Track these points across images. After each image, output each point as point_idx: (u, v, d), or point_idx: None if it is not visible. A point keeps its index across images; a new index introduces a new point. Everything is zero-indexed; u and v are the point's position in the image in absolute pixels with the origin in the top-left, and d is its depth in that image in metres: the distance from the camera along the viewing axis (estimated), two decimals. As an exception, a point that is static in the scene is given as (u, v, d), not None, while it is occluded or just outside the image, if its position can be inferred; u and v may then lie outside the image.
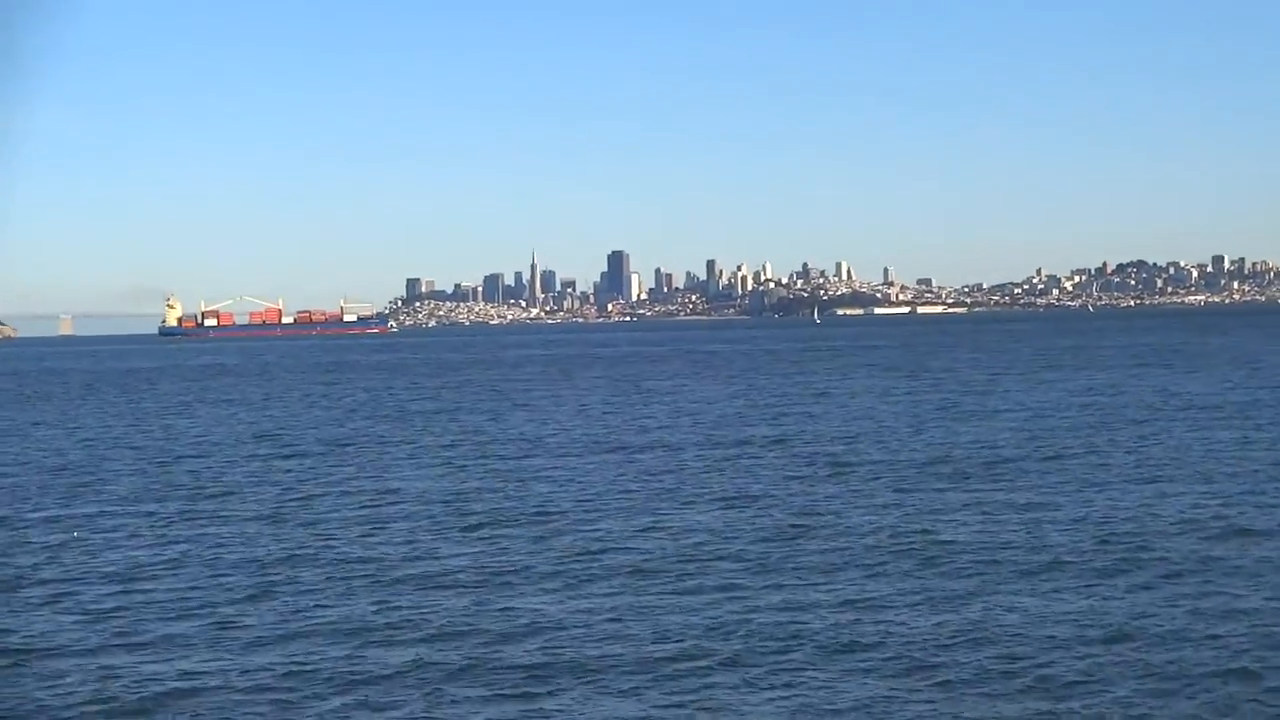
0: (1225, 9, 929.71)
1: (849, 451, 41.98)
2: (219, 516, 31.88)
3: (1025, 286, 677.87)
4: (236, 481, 38.66)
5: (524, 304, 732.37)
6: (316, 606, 21.87)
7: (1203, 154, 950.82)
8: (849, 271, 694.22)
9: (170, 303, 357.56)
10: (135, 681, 17.88)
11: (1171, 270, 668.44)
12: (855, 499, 31.87)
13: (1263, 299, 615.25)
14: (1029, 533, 26.63)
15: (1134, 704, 15.96)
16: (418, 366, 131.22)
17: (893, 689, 16.75)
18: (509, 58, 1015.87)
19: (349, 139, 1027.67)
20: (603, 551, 25.94)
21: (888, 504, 30.94)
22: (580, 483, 36.14)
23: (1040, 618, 19.79)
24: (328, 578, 24.14)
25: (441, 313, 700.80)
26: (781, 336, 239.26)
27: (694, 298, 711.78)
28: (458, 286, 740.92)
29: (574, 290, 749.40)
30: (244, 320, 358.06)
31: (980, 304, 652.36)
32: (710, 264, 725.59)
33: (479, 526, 29.33)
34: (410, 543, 27.54)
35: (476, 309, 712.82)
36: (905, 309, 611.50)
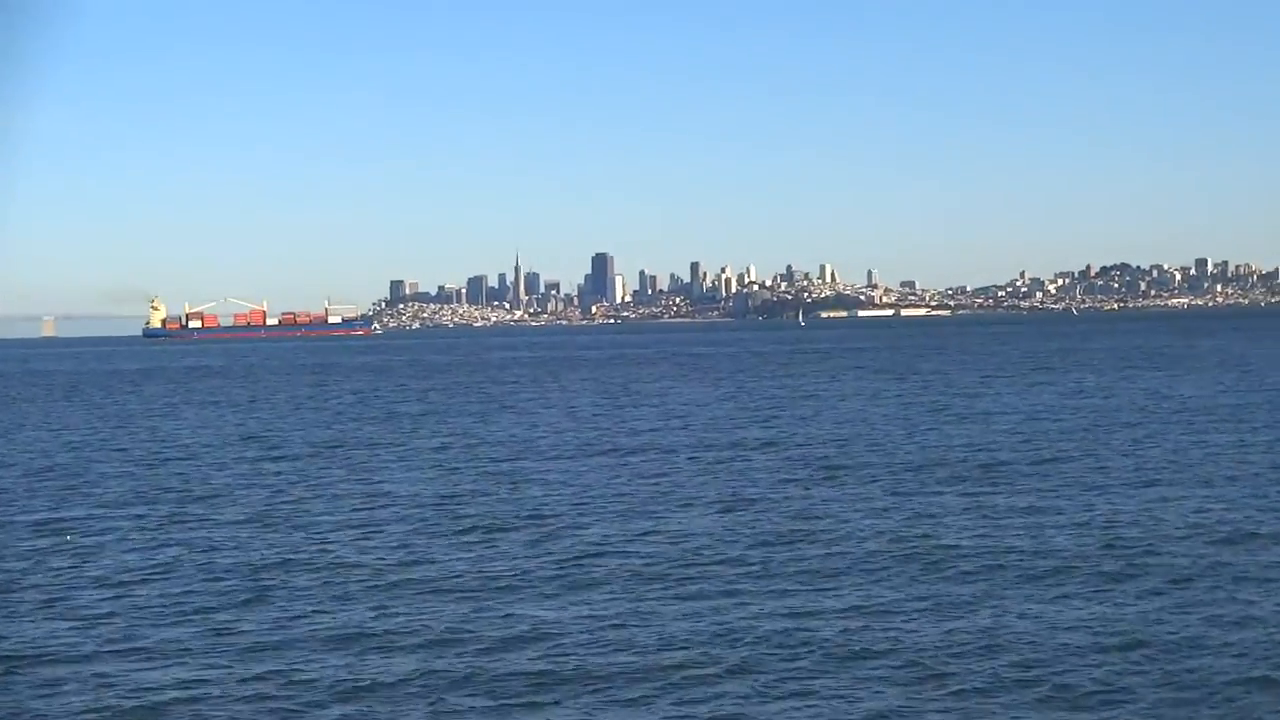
0: (1210, 13, 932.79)
1: (844, 455, 41.70)
2: (210, 520, 31.46)
3: (1009, 289, 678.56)
4: (227, 485, 38.24)
5: (508, 306, 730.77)
6: (314, 612, 21.50)
7: (1186, 157, 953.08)
8: (833, 274, 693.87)
9: (154, 304, 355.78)
10: (133, 690, 17.49)
11: (1155, 273, 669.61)
12: (854, 503, 31.58)
13: (1246, 302, 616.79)
14: (1032, 537, 26.36)
15: (1156, 714, 15.66)
16: (403, 368, 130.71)
17: (908, 698, 16.43)
18: (494, 60, 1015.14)
19: (332, 141, 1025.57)
20: (602, 556, 25.60)
21: (887, 507, 30.65)
22: (575, 486, 35.81)
23: (1052, 624, 19.50)
24: (324, 583, 23.76)
25: (425, 315, 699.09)
26: (767, 339, 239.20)
27: (678, 300, 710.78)
28: (441, 288, 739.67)
29: (558, 292, 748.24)
30: (228, 322, 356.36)
31: (964, 306, 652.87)
32: (694, 266, 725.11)
33: (474, 530, 28.97)
34: (405, 547, 27.16)
35: (460, 311, 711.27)
36: (889, 311, 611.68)
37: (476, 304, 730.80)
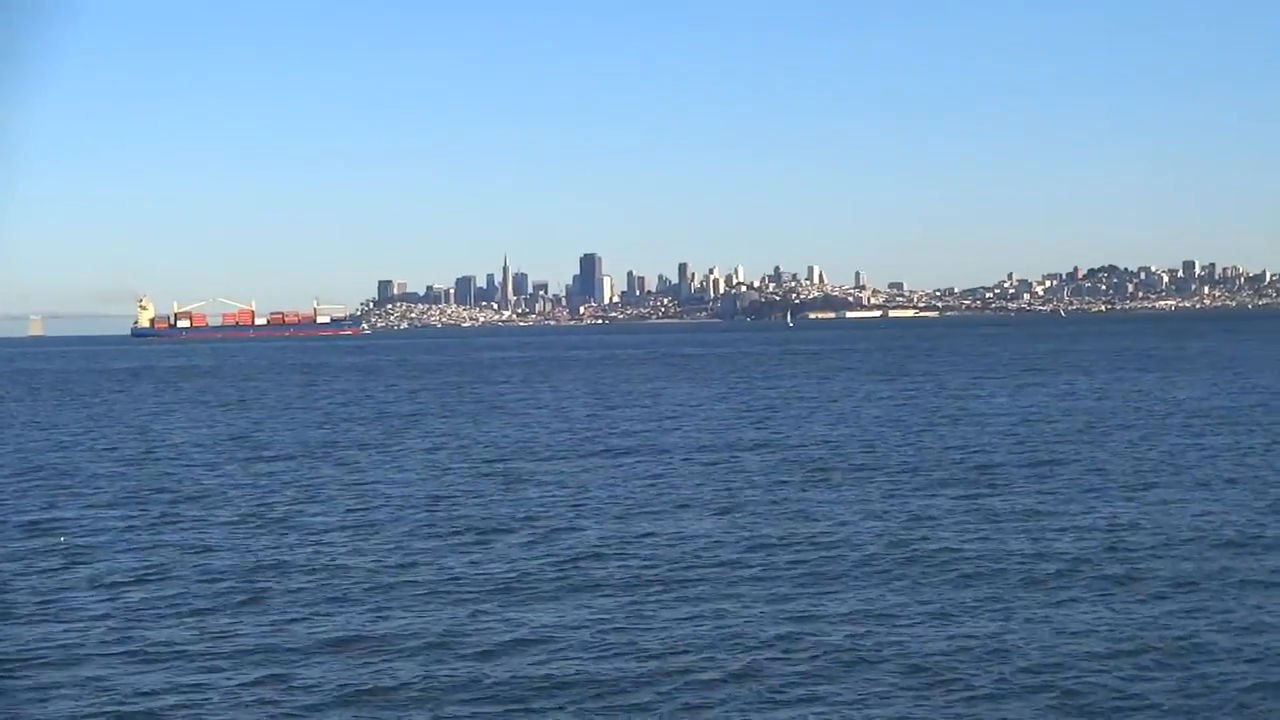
0: (1198, 17, 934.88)
1: (839, 456, 41.49)
2: (203, 521, 31.15)
3: (997, 290, 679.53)
4: (220, 485, 37.93)
5: (496, 306, 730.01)
6: (311, 615, 21.23)
7: (1174, 160, 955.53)
8: (821, 275, 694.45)
9: (143, 304, 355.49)
10: (130, 694, 17.22)
11: (1142, 275, 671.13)
12: (852, 505, 31.35)
13: (1233, 304, 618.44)
14: (1033, 540, 26.15)
15: (1171, 720, 15.47)
16: (393, 369, 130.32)
17: (916, 704, 16.21)
18: (483, 62, 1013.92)
19: (321, 142, 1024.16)
20: (601, 559, 25.34)
21: (886, 510, 30.43)
22: (570, 487, 35.55)
23: (1058, 629, 19.30)
24: (321, 585, 23.48)
25: (413, 315, 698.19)
26: (756, 339, 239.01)
27: (666, 301, 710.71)
28: (429, 289, 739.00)
29: (546, 293, 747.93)
30: (217, 322, 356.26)
31: (952, 308, 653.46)
32: (682, 267, 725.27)
33: (470, 532, 28.70)
34: (401, 549, 26.88)
35: (448, 311, 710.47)
36: (877, 312, 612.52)
37: (465, 304, 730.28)
